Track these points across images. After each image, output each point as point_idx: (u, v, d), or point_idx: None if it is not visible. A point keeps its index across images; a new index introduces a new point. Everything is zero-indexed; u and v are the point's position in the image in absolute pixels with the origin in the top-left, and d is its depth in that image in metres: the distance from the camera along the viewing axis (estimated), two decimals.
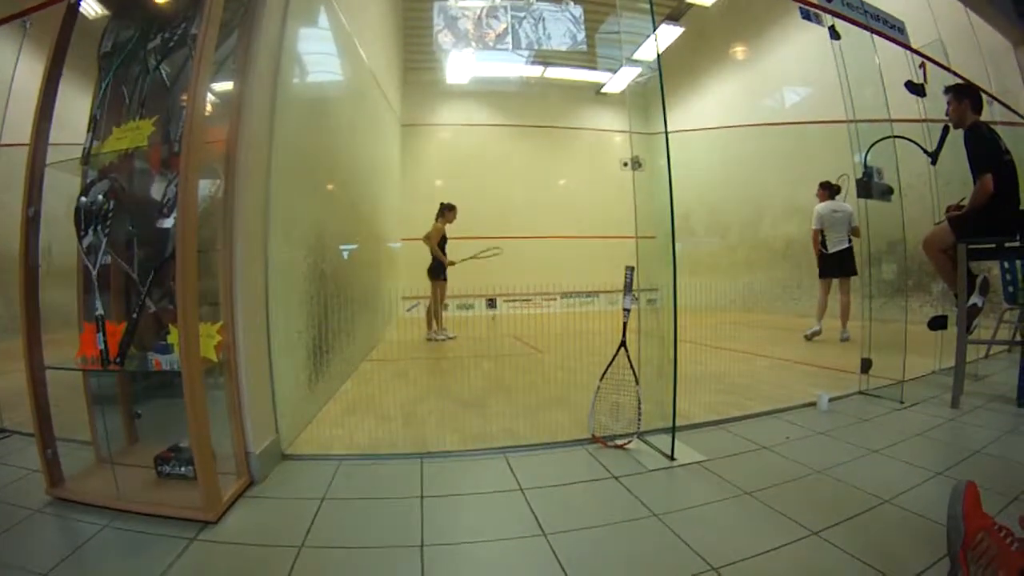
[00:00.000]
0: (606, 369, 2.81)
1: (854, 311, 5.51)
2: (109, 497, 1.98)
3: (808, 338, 5.88)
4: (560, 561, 1.64)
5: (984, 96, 3.65)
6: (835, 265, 5.96)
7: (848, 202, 5.78)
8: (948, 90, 3.56)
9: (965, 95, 3.45)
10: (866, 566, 1.55)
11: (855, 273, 5.82)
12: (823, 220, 6.00)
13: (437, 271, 7.16)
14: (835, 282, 6.03)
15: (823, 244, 6.04)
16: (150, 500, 1.97)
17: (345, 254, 4.37)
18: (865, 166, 3.50)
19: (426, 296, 7.32)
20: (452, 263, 7.20)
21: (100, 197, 2.05)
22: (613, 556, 1.70)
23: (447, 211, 7.22)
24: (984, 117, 3.56)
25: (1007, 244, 3.30)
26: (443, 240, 7.20)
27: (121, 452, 2.31)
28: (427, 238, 7.17)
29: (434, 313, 7.19)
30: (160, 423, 2.37)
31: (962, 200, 3.49)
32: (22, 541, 1.77)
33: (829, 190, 6.06)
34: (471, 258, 7.47)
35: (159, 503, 1.95)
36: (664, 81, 2.51)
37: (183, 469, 2.08)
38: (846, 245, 5.90)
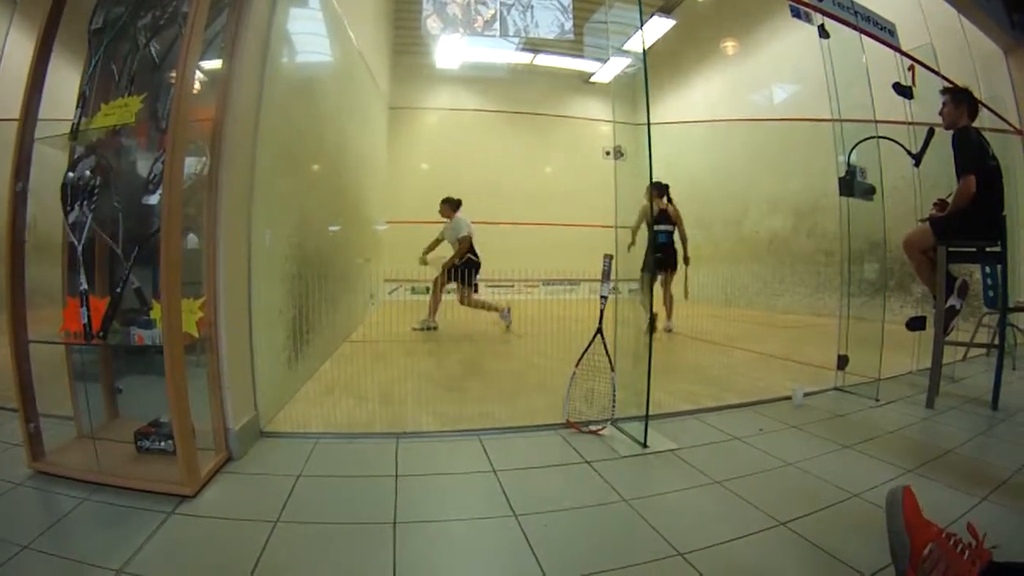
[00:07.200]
0: (582, 355, 2.84)
1: (832, 307, 5.60)
2: (89, 471, 1.99)
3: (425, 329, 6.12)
4: (529, 541, 1.67)
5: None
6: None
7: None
8: (947, 92, 3.55)
9: (964, 100, 3.44)
10: (832, 558, 1.58)
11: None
12: None
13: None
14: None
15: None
16: (130, 474, 1.98)
17: (328, 235, 4.37)
18: (848, 165, 3.53)
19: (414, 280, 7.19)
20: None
21: (87, 173, 2.05)
22: (581, 539, 1.73)
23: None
24: (974, 124, 3.58)
25: (988, 248, 3.33)
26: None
27: (102, 427, 2.32)
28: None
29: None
30: (141, 398, 2.37)
31: (948, 195, 3.48)
32: (3, 513, 1.79)
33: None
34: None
35: (138, 477, 1.96)
36: (654, 73, 2.53)
37: (163, 444, 2.10)
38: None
